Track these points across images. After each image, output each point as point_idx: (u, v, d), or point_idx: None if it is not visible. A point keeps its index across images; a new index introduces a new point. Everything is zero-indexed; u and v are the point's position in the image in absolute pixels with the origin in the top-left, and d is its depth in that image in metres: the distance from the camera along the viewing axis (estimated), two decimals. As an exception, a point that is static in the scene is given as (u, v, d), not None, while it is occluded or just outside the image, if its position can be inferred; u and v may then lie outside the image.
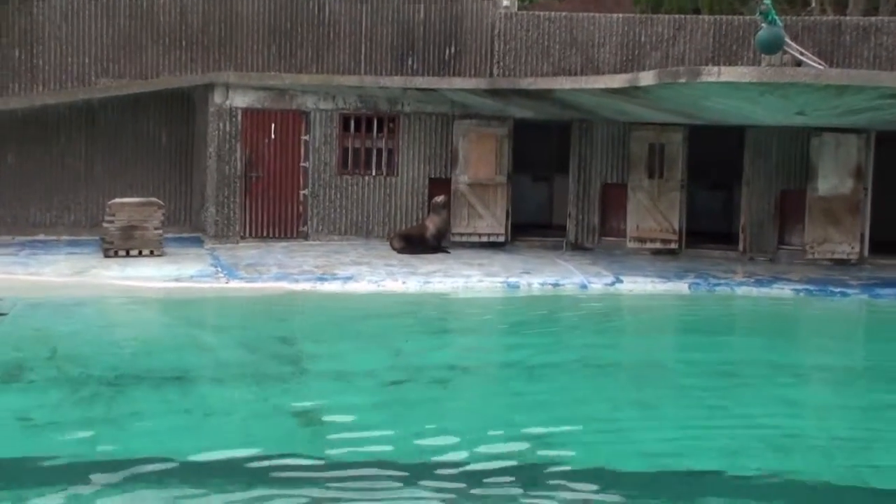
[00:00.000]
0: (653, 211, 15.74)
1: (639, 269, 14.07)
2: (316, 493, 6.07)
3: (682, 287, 13.12)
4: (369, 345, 9.94)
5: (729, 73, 11.46)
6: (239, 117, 15.34)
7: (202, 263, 13.39)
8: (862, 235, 15.20)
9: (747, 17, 16.37)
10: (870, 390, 8.91)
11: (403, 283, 12.64)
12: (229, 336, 10.26)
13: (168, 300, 11.76)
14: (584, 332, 10.93)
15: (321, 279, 12.61)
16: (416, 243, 14.98)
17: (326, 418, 7.54)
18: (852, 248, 15.19)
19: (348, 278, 12.71)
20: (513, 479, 6.34)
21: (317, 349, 9.82)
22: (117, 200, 13.98)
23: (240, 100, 15.36)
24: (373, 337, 10.26)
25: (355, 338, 10.24)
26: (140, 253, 13.67)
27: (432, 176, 15.95)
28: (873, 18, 17.22)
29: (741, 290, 13.02)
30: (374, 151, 15.85)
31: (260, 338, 10.06)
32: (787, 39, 13.68)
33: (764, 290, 13.01)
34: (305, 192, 15.66)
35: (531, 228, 16.87)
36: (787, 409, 8.17)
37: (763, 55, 13.50)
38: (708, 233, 16.66)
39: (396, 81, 15.43)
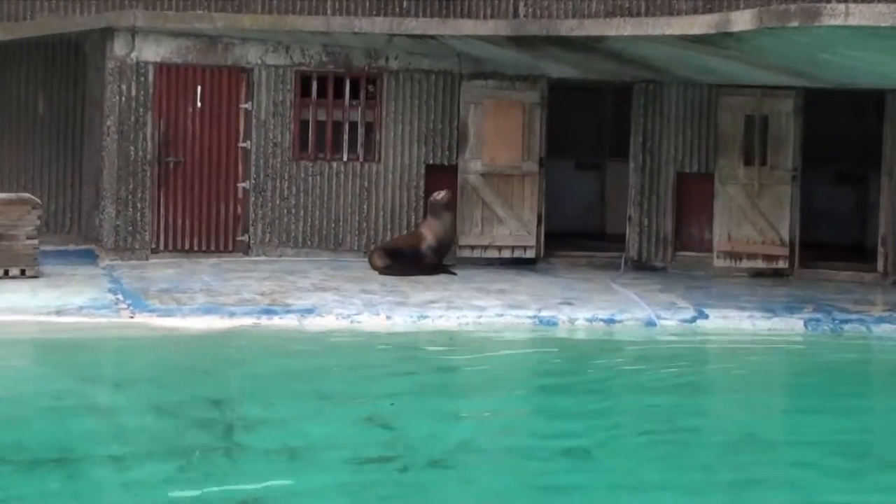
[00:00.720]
0: (751, 213, 15.78)
1: (731, 299, 14.05)
2: None
3: (794, 324, 13.16)
4: (337, 409, 9.89)
5: (861, 14, 11.42)
6: (150, 76, 15.32)
7: (96, 289, 13.37)
8: None
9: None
10: None
11: (388, 317, 12.66)
12: (134, 395, 10.20)
13: (46, 342, 11.71)
14: (652, 391, 10.87)
15: (268, 312, 12.59)
16: (406, 260, 15.03)
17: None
18: None
19: (308, 311, 12.68)
20: None
21: (262, 414, 9.71)
22: (-27, 197, 14.00)
23: (151, 51, 15.35)
24: (343, 397, 10.22)
25: (317, 398, 10.18)
26: (6, 273, 13.65)
27: (430, 162, 16.01)
28: None
29: (881, 330, 13.07)
30: (346, 126, 15.85)
31: (179, 397, 10.02)
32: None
33: (914, 330, 13.16)
34: (246, 185, 15.65)
35: (574, 239, 16.85)
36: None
37: (912, -13, 13.47)
38: (832, 245, 16.66)
39: (379, 24, 15.44)
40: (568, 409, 10.26)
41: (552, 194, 16.43)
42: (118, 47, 15.27)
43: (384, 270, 14.88)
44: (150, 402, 9.91)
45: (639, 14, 15.77)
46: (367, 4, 15.95)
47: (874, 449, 9.41)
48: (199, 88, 15.47)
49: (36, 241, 13.83)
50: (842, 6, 11.52)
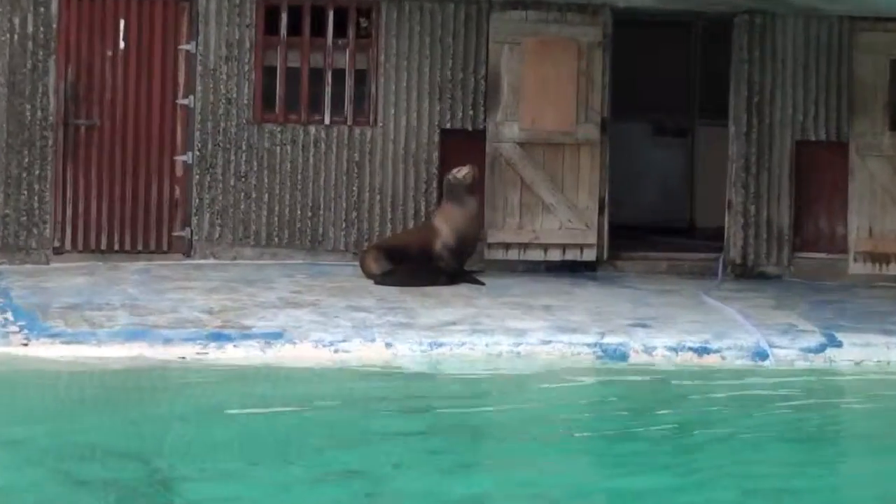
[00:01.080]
0: (902, 199, 15.55)
1: (874, 319, 14.16)
2: None
3: (966, 356, 13.14)
4: (316, 476, 9.78)
5: None
6: (53, 6, 15.37)
7: (-27, 305, 13.34)
8: None
9: None
10: None
11: (388, 345, 12.64)
12: (27, 452, 10.07)
13: None
14: (768, 450, 10.85)
15: (218, 338, 12.56)
16: (414, 264, 15.10)
17: None
18: None
19: (274, 336, 12.65)
20: None
21: (207, 485, 9.56)
22: None
23: (56, -28, 15.19)
24: (324, 459, 10.18)
25: (288, 461, 10.12)
26: None
27: (447, 126, 16.01)
28: None
29: None
30: (329, 76, 15.87)
31: (88, 455, 10.01)
32: None
33: None
34: (187, 158, 15.60)
35: (651, 234, 17.15)
36: None
37: None
38: None
39: (375, -65, 15.36)
40: (647, 474, 10.18)
41: (620, 171, 16.54)
42: (10, -34, 15.19)
43: (383, 278, 14.88)
44: (48, 460, 9.78)
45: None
46: None
47: None
48: (121, 23, 15.51)
49: None
50: None
